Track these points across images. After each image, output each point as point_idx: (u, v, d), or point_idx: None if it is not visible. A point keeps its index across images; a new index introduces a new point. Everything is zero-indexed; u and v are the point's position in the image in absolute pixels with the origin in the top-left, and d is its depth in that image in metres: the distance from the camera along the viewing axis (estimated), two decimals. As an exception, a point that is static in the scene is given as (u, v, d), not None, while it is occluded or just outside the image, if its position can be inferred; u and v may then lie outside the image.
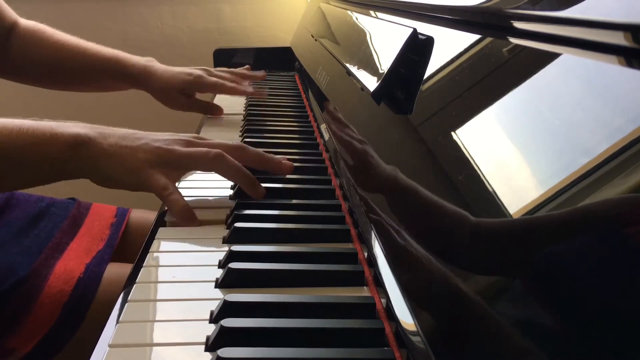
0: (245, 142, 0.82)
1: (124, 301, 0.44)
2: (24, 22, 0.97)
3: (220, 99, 1.11)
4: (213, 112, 1.02)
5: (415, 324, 0.35)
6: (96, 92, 1.19)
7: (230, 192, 0.65)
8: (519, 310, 0.28)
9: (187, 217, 0.58)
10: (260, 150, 0.66)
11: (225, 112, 1.03)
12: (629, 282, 0.22)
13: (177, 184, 0.62)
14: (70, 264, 0.72)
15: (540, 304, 0.26)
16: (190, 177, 0.70)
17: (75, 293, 0.68)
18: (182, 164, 0.61)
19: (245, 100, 1.10)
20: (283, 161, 0.67)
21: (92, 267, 0.72)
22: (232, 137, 0.89)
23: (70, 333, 0.67)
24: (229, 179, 0.63)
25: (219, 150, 0.60)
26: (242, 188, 0.61)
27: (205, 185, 0.68)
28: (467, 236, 0.34)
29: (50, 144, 0.58)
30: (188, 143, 0.62)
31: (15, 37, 0.94)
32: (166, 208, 0.60)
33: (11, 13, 0.95)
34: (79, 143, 0.58)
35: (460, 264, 0.34)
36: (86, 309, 0.68)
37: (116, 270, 0.73)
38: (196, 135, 0.66)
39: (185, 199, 0.59)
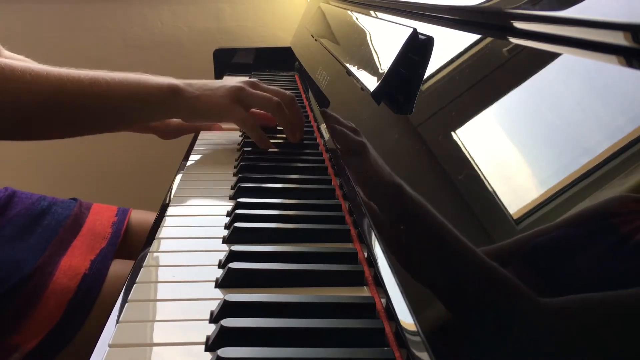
0: (245, 141, 0.83)
1: (124, 301, 0.44)
2: (7, 55, 0.87)
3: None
4: (210, 127, 0.95)
5: (415, 324, 0.35)
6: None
7: (231, 191, 0.66)
8: (519, 310, 0.28)
9: (264, 142, 0.79)
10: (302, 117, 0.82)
11: None
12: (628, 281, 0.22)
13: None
14: (75, 261, 0.72)
15: (540, 303, 0.26)
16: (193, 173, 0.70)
17: (80, 289, 0.68)
18: (252, 102, 0.78)
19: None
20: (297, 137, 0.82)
21: (96, 263, 0.73)
22: (232, 136, 0.90)
23: (76, 329, 0.67)
24: (278, 118, 0.80)
25: (279, 99, 0.79)
26: (285, 132, 0.81)
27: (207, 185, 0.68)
28: (468, 236, 0.34)
29: (155, 91, 0.74)
30: (254, 85, 0.79)
31: None
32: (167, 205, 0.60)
33: None
34: (175, 91, 0.75)
35: (460, 263, 0.34)
36: (91, 305, 0.68)
37: (120, 267, 0.74)
38: (257, 80, 0.82)
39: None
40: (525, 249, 0.29)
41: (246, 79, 0.81)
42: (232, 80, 0.79)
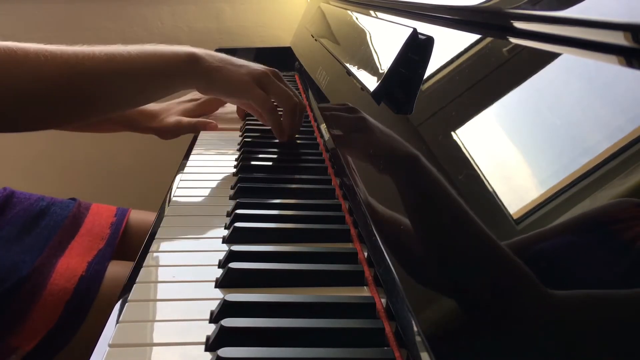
0: (245, 141, 0.83)
1: (124, 301, 0.44)
2: None
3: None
4: (205, 127, 0.94)
5: (415, 323, 0.35)
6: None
7: (231, 191, 0.65)
8: (519, 310, 0.28)
9: (280, 128, 0.78)
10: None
11: (226, 110, 1.03)
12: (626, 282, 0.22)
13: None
14: (72, 261, 0.72)
15: (539, 303, 0.26)
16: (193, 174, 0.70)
17: (77, 290, 0.68)
18: (273, 90, 0.76)
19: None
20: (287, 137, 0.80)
21: (94, 265, 0.72)
22: (232, 135, 0.89)
23: (74, 330, 0.67)
24: (286, 117, 0.78)
25: (297, 101, 0.78)
26: (280, 133, 0.79)
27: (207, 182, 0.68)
28: (469, 236, 0.34)
29: (174, 60, 0.72)
30: (277, 75, 0.79)
31: None
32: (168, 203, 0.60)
33: None
34: (194, 59, 0.73)
35: (460, 263, 0.34)
36: (89, 307, 0.68)
37: (118, 269, 0.74)
38: (280, 73, 0.81)
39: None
40: (526, 249, 0.29)
41: (271, 69, 0.80)
42: (254, 64, 0.78)
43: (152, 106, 0.94)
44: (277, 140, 0.82)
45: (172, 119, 0.93)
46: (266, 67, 0.79)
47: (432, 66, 0.49)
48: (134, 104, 0.78)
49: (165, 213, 0.60)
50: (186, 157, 0.80)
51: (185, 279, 0.47)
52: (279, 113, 0.78)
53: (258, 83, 0.75)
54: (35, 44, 0.65)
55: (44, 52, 0.64)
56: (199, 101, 0.98)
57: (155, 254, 0.51)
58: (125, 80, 0.70)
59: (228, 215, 0.59)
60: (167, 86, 0.75)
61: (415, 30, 0.54)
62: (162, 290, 0.46)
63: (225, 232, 0.55)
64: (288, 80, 0.82)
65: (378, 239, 0.45)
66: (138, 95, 0.74)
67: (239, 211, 0.58)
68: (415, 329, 0.35)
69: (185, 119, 0.94)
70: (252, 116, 0.97)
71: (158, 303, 0.44)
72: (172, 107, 0.96)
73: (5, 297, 0.66)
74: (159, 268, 0.49)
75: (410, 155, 0.46)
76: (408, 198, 0.44)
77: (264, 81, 0.76)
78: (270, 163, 0.75)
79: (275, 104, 0.78)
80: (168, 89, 0.76)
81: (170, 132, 0.94)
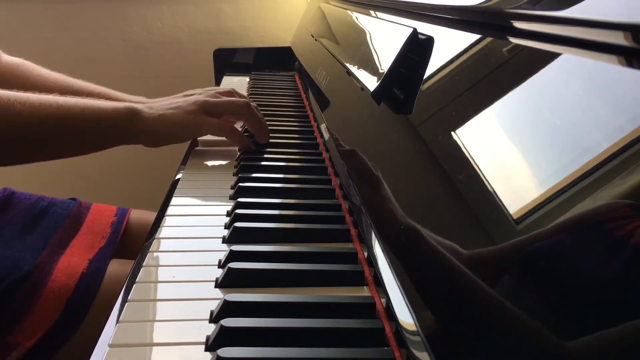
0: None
1: (124, 301, 0.44)
2: (7, 58, 0.88)
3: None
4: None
5: (415, 323, 0.35)
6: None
7: (231, 191, 0.66)
8: (519, 310, 0.28)
9: (245, 142, 0.78)
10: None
11: None
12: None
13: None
14: (73, 259, 0.72)
15: (539, 303, 0.26)
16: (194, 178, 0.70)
17: (78, 288, 0.68)
18: (221, 109, 0.76)
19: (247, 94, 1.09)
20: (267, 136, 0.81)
21: (95, 263, 0.73)
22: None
23: (74, 328, 0.67)
24: (248, 123, 0.79)
25: (246, 100, 0.79)
26: (256, 134, 0.79)
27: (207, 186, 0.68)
28: (468, 236, 0.34)
29: (112, 115, 0.70)
30: (214, 95, 0.79)
31: None
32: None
33: None
34: (134, 113, 0.71)
35: (460, 263, 0.34)
36: (89, 304, 0.68)
37: (119, 267, 0.74)
38: (217, 90, 0.82)
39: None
40: (526, 250, 0.29)
41: (206, 89, 0.81)
42: (189, 97, 0.78)
43: None
44: (276, 140, 0.82)
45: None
46: (201, 91, 0.79)
47: (432, 66, 0.49)
48: (74, 153, 0.74)
49: (166, 213, 0.60)
50: (186, 157, 0.80)
51: (185, 279, 0.47)
52: (238, 129, 0.79)
53: (204, 112, 0.75)
54: None
55: None
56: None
57: (155, 254, 0.51)
58: (62, 131, 0.68)
59: (228, 215, 0.59)
60: (105, 141, 0.72)
61: (415, 30, 0.54)
62: (162, 290, 0.46)
63: (225, 232, 0.55)
64: (288, 80, 0.82)
65: (378, 238, 0.45)
66: (74, 146, 0.72)
67: (239, 211, 0.58)
68: (415, 328, 0.35)
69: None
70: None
71: (158, 303, 0.44)
72: None
73: (6, 294, 0.66)
74: (159, 268, 0.49)
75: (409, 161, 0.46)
76: (407, 196, 0.44)
77: (208, 108, 0.75)
78: (270, 163, 0.75)
79: (230, 119, 0.79)
80: (107, 144, 0.73)
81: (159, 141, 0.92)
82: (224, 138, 0.78)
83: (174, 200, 0.64)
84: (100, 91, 0.91)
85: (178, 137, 0.75)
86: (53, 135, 0.68)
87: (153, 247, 0.53)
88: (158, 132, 0.73)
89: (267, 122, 0.93)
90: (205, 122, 0.74)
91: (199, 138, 0.90)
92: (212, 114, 0.75)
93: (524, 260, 0.28)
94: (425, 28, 0.54)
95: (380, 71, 0.57)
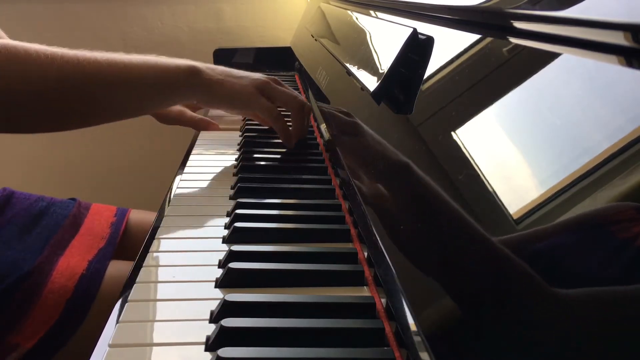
0: (245, 141, 0.83)
1: (124, 301, 0.44)
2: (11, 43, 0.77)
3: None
4: (207, 127, 0.95)
5: (415, 323, 0.35)
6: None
7: (231, 191, 0.65)
8: (519, 310, 0.28)
9: (289, 135, 0.78)
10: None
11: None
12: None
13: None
14: (73, 260, 0.72)
15: (539, 303, 0.26)
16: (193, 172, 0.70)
17: (78, 289, 0.68)
18: (277, 97, 0.77)
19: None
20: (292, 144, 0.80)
21: (94, 263, 0.72)
22: (231, 135, 0.89)
23: (74, 329, 0.67)
24: (295, 120, 0.79)
25: (304, 100, 0.79)
26: (289, 136, 0.78)
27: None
28: (468, 236, 0.34)
29: (175, 72, 0.72)
30: (277, 82, 0.80)
31: None
32: (166, 207, 0.60)
33: None
34: (195, 72, 0.73)
35: (460, 263, 0.34)
36: (89, 305, 0.68)
37: (118, 268, 0.74)
38: (279, 79, 0.82)
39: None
40: (526, 249, 0.29)
41: (269, 76, 0.81)
42: (254, 74, 0.79)
43: None
44: (276, 140, 0.82)
45: (176, 107, 0.94)
46: (267, 76, 0.79)
47: (432, 66, 0.49)
48: (132, 113, 0.76)
49: (166, 213, 0.60)
50: (186, 157, 0.80)
51: (185, 279, 0.47)
52: (286, 120, 0.79)
53: (262, 92, 0.76)
54: (37, 44, 0.65)
55: (45, 51, 0.64)
56: None
57: (155, 254, 0.51)
58: (125, 87, 0.69)
59: (228, 215, 0.59)
60: (167, 97, 0.75)
61: (415, 30, 0.54)
62: (162, 290, 0.46)
63: (225, 232, 0.55)
64: (288, 80, 0.83)
65: (378, 239, 0.45)
66: (137, 103, 0.74)
67: (239, 211, 0.58)
68: (415, 328, 0.35)
69: (189, 112, 0.96)
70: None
71: (158, 303, 0.44)
72: None
73: (5, 294, 0.66)
74: (159, 268, 0.49)
75: (403, 162, 0.46)
76: (407, 199, 0.44)
77: (267, 90, 0.77)
78: (270, 163, 0.75)
79: (281, 110, 0.78)
80: (167, 100, 0.76)
81: (170, 119, 0.94)
82: (230, 132, 0.80)
83: (174, 200, 0.64)
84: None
85: (230, 104, 0.77)
86: (119, 94, 0.70)
87: (153, 247, 0.53)
88: (216, 95, 0.75)
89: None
90: (259, 101, 0.76)
91: (200, 132, 0.91)
92: (268, 97, 0.77)
93: (524, 259, 0.28)
94: (425, 28, 0.54)
95: (380, 71, 0.57)
